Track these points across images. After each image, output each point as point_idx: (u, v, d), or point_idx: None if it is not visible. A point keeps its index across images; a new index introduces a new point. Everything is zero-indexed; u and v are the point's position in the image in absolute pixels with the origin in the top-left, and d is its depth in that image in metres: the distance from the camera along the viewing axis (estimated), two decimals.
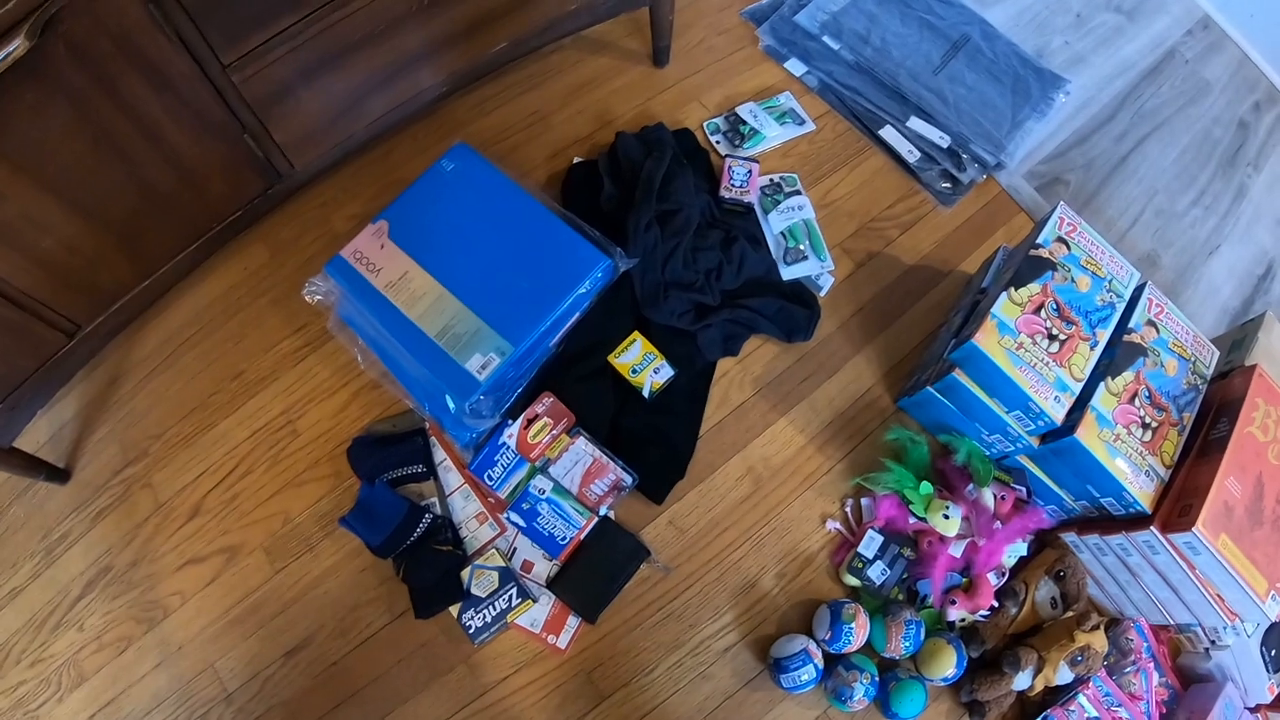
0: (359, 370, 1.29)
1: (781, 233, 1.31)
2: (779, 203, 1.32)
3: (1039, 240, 1.20)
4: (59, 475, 1.37)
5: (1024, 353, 1.12)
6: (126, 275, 1.22)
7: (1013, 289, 1.15)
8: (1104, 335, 1.16)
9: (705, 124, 1.43)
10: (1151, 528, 1.06)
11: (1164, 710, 1.17)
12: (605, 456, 1.19)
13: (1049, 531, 1.23)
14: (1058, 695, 1.14)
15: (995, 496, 1.20)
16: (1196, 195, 1.62)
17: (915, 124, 1.42)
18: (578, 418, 1.20)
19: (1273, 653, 1.14)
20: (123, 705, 1.27)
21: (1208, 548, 0.99)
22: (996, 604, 1.17)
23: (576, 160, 1.38)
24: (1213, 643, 1.16)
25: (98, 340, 1.28)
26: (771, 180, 1.34)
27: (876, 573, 1.18)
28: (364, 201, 1.38)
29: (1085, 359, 1.14)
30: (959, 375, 1.16)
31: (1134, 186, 1.57)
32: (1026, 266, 1.18)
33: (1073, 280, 1.19)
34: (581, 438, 1.19)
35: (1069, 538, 1.20)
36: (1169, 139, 1.66)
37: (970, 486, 1.21)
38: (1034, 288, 1.16)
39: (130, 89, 0.97)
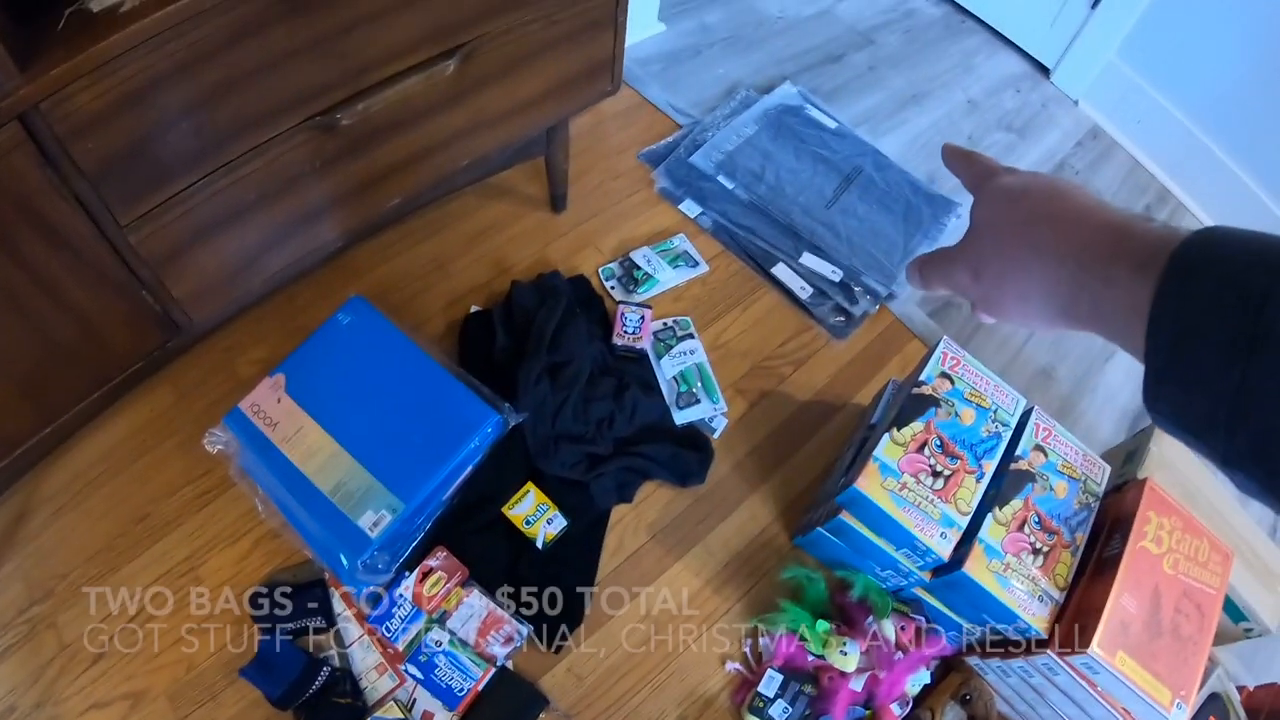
0: (261, 518, 1.30)
1: (674, 377, 1.34)
2: (671, 347, 1.36)
3: (922, 378, 1.24)
4: None
5: (907, 493, 1.15)
6: (29, 422, 1.23)
7: (895, 429, 1.18)
8: (990, 466, 1.19)
9: (600, 269, 1.47)
10: (1049, 651, 1.08)
11: None
12: (499, 609, 1.21)
13: (952, 656, 1.25)
14: None
15: (896, 627, 1.22)
16: None
17: (808, 259, 1.46)
18: (471, 570, 1.22)
19: None
20: None
21: (1105, 667, 1.01)
22: None
23: (474, 309, 1.41)
24: None
25: (1, 482, 1.29)
26: (665, 324, 1.38)
27: (778, 711, 1.20)
28: (268, 346, 1.40)
29: (971, 492, 1.17)
30: (846, 517, 1.18)
31: None
32: (909, 405, 1.21)
33: (957, 414, 1.23)
34: (476, 590, 1.21)
35: (973, 660, 1.22)
36: None
37: (870, 619, 1.24)
38: (917, 426, 1.19)
39: (30, 248, 0.99)
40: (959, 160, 0.49)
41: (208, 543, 1.33)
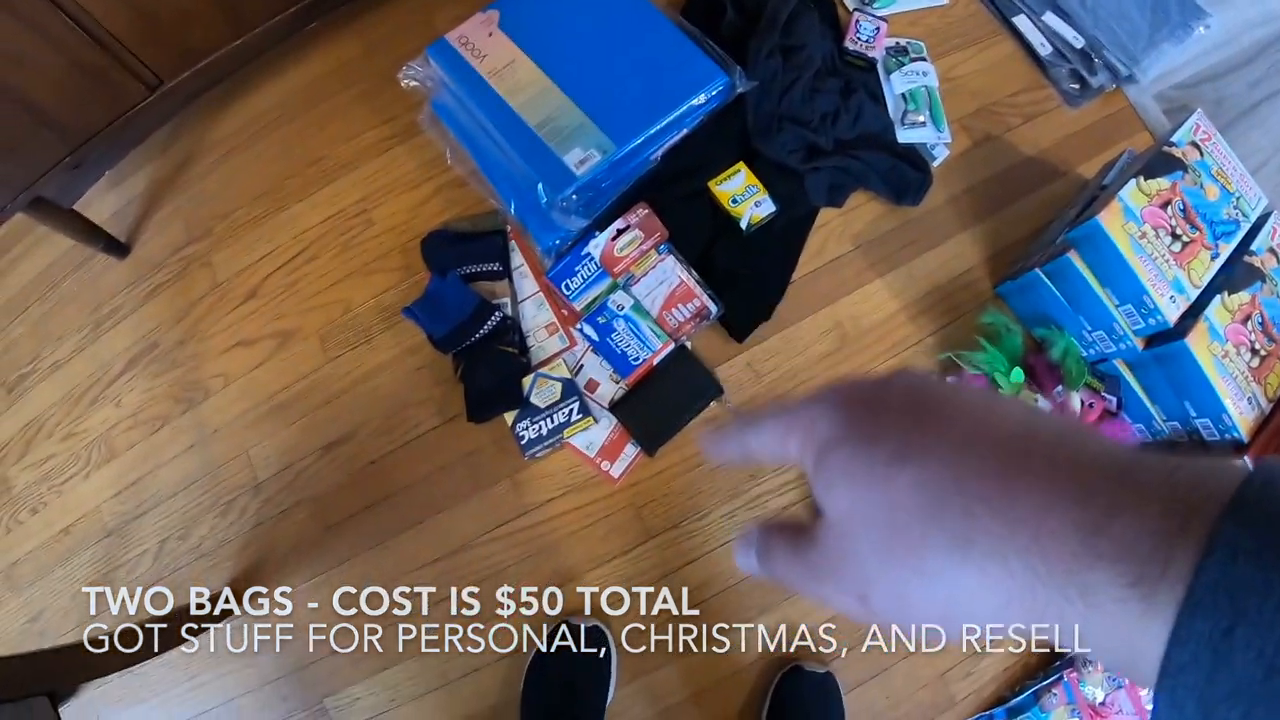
0: (445, 166, 1.24)
1: (902, 94, 1.24)
2: (903, 65, 1.25)
3: (1174, 139, 1.14)
4: (118, 248, 1.34)
5: (1147, 243, 1.05)
6: (218, 33, 1.18)
7: (1142, 178, 1.08)
8: (1226, 249, 1.09)
9: None
10: (1245, 457, 0.98)
11: None
12: (693, 280, 1.13)
13: None
14: None
15: (1083, 403, 1.14)
16: None
17: (1050, 19, 1.35)
18: (671, 234, 1.14)
19: None
20: (148, 485, 1.23)
21: None
22: None
23: None
24: None
25: (177, 100, 1.24)
26: (897, 43, 1.28)
27: None
28: (469, 5, 1.33)
29: (1205, 267, 1.07)
30: (1073, 257, 1.09)
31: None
32: (1158, 160, 1.11)
33: (1201, 186, 1.13)
34: (671, 257, 1.14)
35: None
36: None
37: (1059, 388, 1.15)
38: (1163, 182, 1.09)
39: None
40: (741, 433, 0.32)
41: (384, 187, 1.28)
